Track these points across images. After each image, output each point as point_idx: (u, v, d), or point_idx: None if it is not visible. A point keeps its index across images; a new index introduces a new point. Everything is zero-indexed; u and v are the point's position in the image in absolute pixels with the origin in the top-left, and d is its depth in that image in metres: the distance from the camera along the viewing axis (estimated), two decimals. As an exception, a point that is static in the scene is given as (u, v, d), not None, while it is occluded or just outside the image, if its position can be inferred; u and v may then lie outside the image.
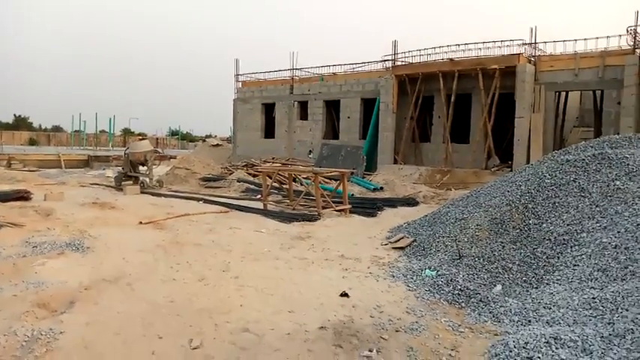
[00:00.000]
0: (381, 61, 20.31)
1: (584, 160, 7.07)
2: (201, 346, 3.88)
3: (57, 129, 72.69)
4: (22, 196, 11.23)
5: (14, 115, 79.59)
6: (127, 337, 3.99)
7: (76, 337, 3.90)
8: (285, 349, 3.86)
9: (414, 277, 5.84)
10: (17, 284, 5.19)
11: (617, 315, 4.04)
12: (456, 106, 17.59)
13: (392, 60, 19.28)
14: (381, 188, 15.57)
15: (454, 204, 8.37)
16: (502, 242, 6.27)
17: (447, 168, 17.13)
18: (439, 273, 5.76)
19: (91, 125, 53.37)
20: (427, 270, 5.94)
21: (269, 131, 25.26)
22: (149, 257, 6.64)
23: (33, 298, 4.72)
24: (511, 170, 14.16)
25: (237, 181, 16.50)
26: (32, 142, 53.34)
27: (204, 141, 35.26)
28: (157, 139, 57.82)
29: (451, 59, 17.48)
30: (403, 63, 19.08)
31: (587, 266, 5.17)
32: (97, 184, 16.73)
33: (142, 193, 14.44)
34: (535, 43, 16.50)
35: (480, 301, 5.02)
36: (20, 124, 75.64)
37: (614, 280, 4.72)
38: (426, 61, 18.35)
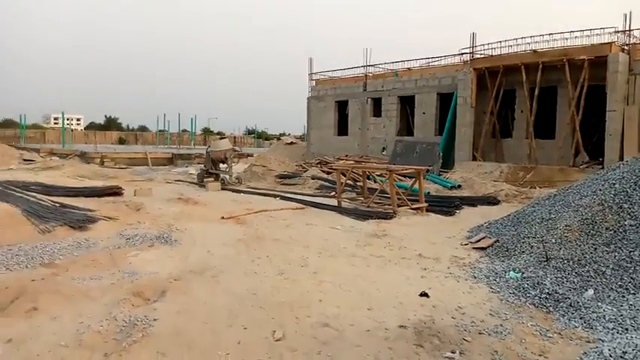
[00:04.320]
0: (459, 54, 19.69)
1: (689, 156, 6.47)
2: (283, 338, 3.98)
3: (143, 129, 77.38)
4: (115, 192, 12.00)
5: (105, 116, 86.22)
6: (214, 326, 4.18)
7: (169, 324, 4.14)
8: (365, 346, 3.87)
9: (497, 279, 5.63)
10: (114, 273, 5.59)
11: None
12: (539, 100, 16.71)
13: (470, 53, 18.61)
14: (459, 186, 15.14)
15: (540, 203, 7.97)
16: (594, 244, 5.88)
17: (531, 165, 16.31)
18: (524, 275, 5.52)
19: (174, 125, 56.38)
20: (511, 272, 5.70)
21: (342, 129, 25.31)
22: (232, 251, 6.90)
23: (129, 287, 5.06)
24: (602, 167, 13.23)
25: (312, 179, 16.72)
26: (122, 141, 56.89)
27: (279, 139, 36.02)
28: (235, 137, 59.99)
29: (534, 50, 16.61)
30: (482, 56, 18.39)
31: (694, 272, 4.73)
32: (181, 181, 17.62)
33: (222, 189, 14.99)
34: (630, 30, 15.27)
35: (570, 305, 4.74)
36: (111, 124, 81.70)
37: None
38: (507, 53, 17.57)
